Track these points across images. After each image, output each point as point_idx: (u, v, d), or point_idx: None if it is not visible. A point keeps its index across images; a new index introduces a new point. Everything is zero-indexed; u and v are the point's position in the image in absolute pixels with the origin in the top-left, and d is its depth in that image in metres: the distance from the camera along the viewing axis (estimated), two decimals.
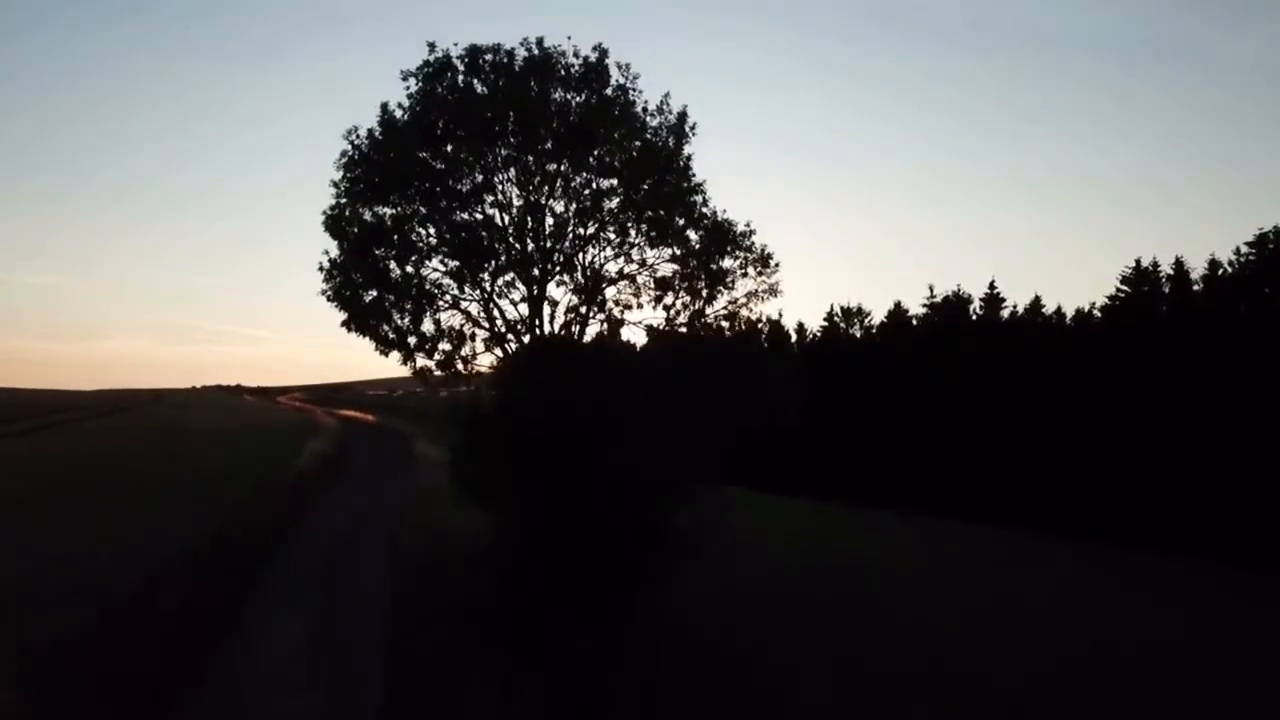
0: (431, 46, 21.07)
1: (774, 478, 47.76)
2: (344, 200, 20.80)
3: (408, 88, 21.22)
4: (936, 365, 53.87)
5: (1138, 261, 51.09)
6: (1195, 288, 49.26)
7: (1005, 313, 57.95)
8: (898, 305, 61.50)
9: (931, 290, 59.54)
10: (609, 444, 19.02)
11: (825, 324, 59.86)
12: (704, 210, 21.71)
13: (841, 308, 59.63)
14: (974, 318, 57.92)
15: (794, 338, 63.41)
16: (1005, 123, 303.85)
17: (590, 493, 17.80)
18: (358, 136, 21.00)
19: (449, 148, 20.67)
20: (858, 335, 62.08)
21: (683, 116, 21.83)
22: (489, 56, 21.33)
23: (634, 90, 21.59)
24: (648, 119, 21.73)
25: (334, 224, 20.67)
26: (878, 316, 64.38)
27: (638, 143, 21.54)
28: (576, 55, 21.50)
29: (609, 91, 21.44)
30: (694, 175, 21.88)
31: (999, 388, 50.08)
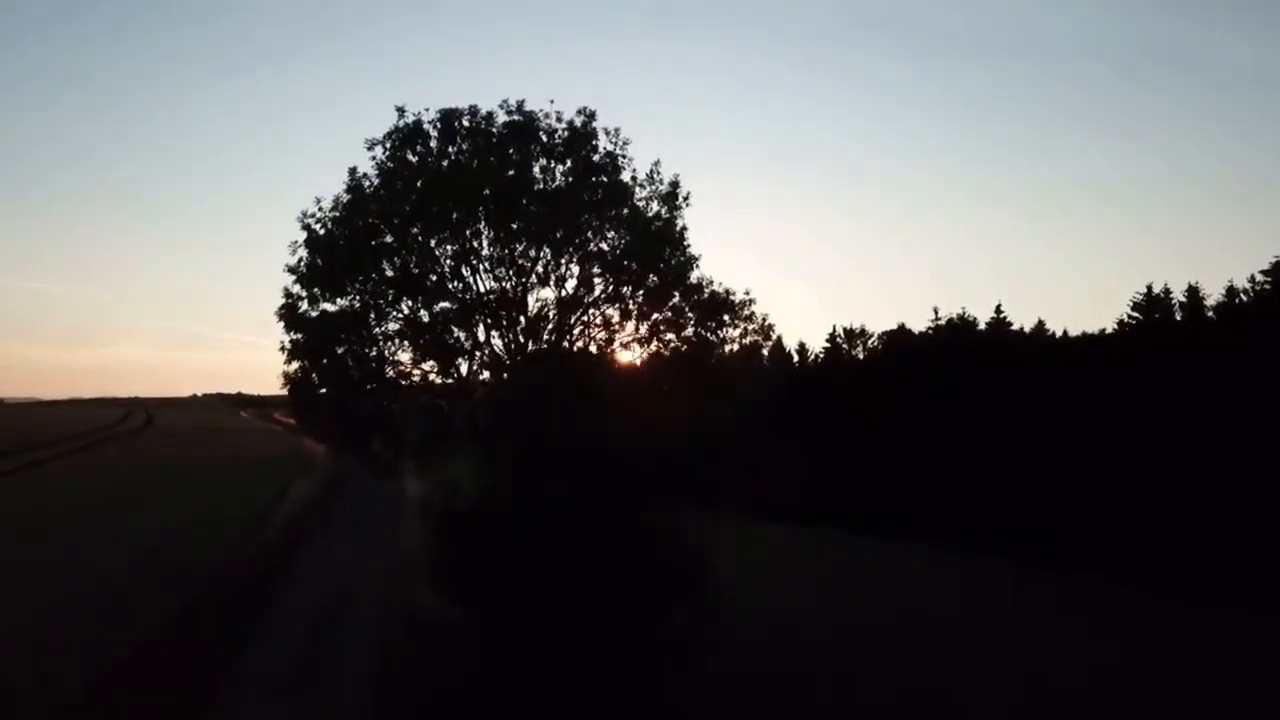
0: (400, 111, 19.10)
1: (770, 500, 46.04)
2: (300, 288, 18.69)
3: (374, 156, 19.25)
4: (939, 388, 52.01)
5: (1149, 288, 49.15)
6: (1210, 315, 47.49)
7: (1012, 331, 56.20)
8: (902, 327, 59.55)
9: (936, 312, 57.52)
10: (597, 550, 17.36)
11: (827, 345, 57.85)
12: (699, 285, 19.77)
13: (844, 329, 57.66)
14: (980, 330, 56.08)
15: (795, 358, 61.43)
16: (1018, 135, 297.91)
17: (577, 602, 16.55)
18: (321, 210, 18.94)
19: (417, 228, 18.63)
20: (860, 356, 60.22)
21: (675, 185, 19.90)
22: (466, 120, 19.38)
23: (624, 157, 19.63)
24: (637, 189, 19.80)
25: (289, 314, 18.55)
26: (883, 328, 62.76)
27: (625, 211, 19.56)
28: (560, 119, 19.57)
29: (597, 158, 19.51)
30: (688, 246, 19.98)
31: (1001, 413, 48.22)
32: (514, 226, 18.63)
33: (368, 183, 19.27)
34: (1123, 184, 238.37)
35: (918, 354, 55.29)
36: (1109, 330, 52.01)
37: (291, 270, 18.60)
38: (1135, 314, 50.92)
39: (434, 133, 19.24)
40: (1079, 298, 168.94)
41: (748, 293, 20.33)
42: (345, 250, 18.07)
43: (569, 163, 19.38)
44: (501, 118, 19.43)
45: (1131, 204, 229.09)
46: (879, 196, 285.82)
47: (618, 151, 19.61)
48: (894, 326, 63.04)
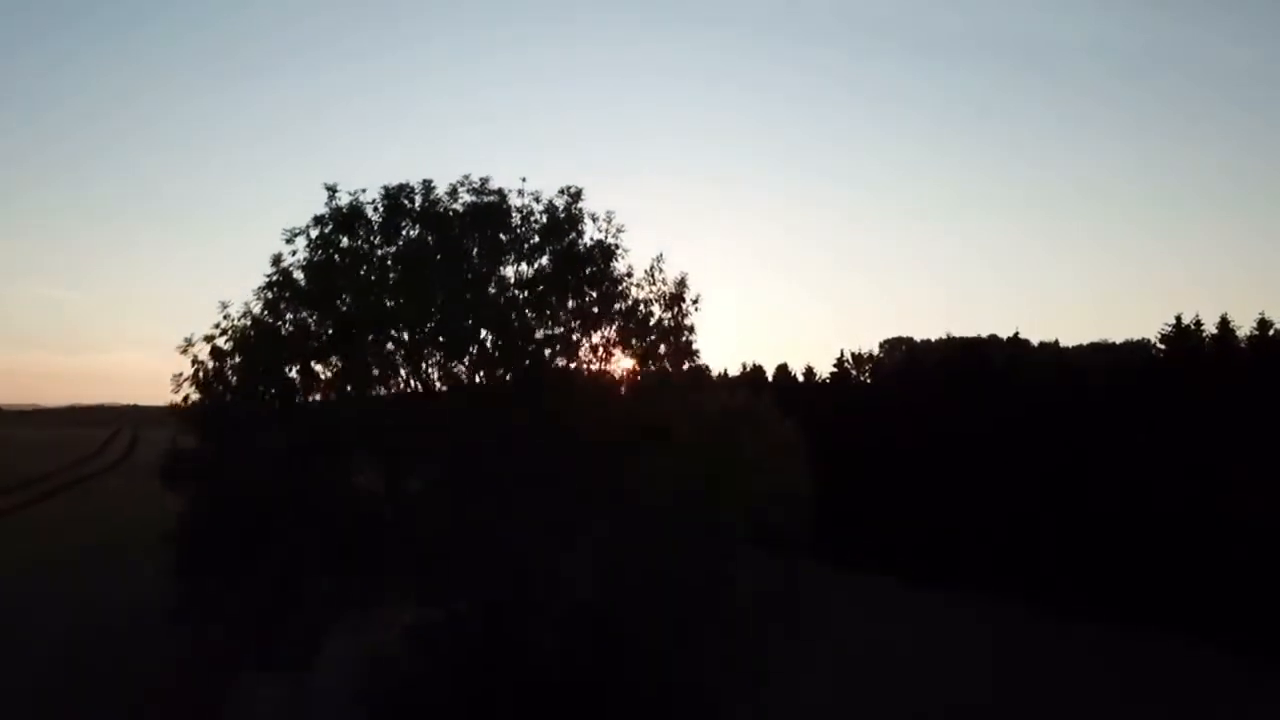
0: (332, 192, 14.33)
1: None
2: (190, 437, 13.62)
3: (294, 251, 14.47)
4: (950, 421, 47.41)
5: (1178, 319, 44.54)
6: (1242, 345, 42.99)
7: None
8: (910, 352, 55.04)
9: (949, 337, 52.90)
10: None
11: (835, 370, 53.25)
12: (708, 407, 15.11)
13: (852, 354, 53.11)
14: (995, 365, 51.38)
15: (801, 380, 56.81)
16: (1023, 141, 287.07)
17: None
18: (229, 320, 13.86)
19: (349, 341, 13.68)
20: (867, 380, 55.62)
21: (682, 285, 15.14)
22: (418, 199, 14.64)
23: (617, 247, 14.89)
24: (634, 288, 15.07)
25: (170, 473, 13.61)
26: (887, 334, 58.15)
27: (617, 315, 14.82)
28: (537, 200, 14.84)
29: (582, 246, 14.78)
30: (697, 352, 15.28)
31: (1018, 451, 43.69)
32: (472, 352, 13.90)
33: (292, 277, 14.38)
34: (1129, 190, 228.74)
35: (928, 384, 50.72)
36: (1117, 339, 47.28)
37: (178, 411, 13.47)
38: (1162, 345, 46.26)
39: (376, 216, 14.48)
40: (1080, 299, 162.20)
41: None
42: (254, 387, 13.17)
43: (547, 253, 14.64)
44: (464, 198, 14.66)
45: (1141, 211, 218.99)
46: (880, 202, 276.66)
47: (609, 240, 14.85)
48: (896, 335, 58.43)
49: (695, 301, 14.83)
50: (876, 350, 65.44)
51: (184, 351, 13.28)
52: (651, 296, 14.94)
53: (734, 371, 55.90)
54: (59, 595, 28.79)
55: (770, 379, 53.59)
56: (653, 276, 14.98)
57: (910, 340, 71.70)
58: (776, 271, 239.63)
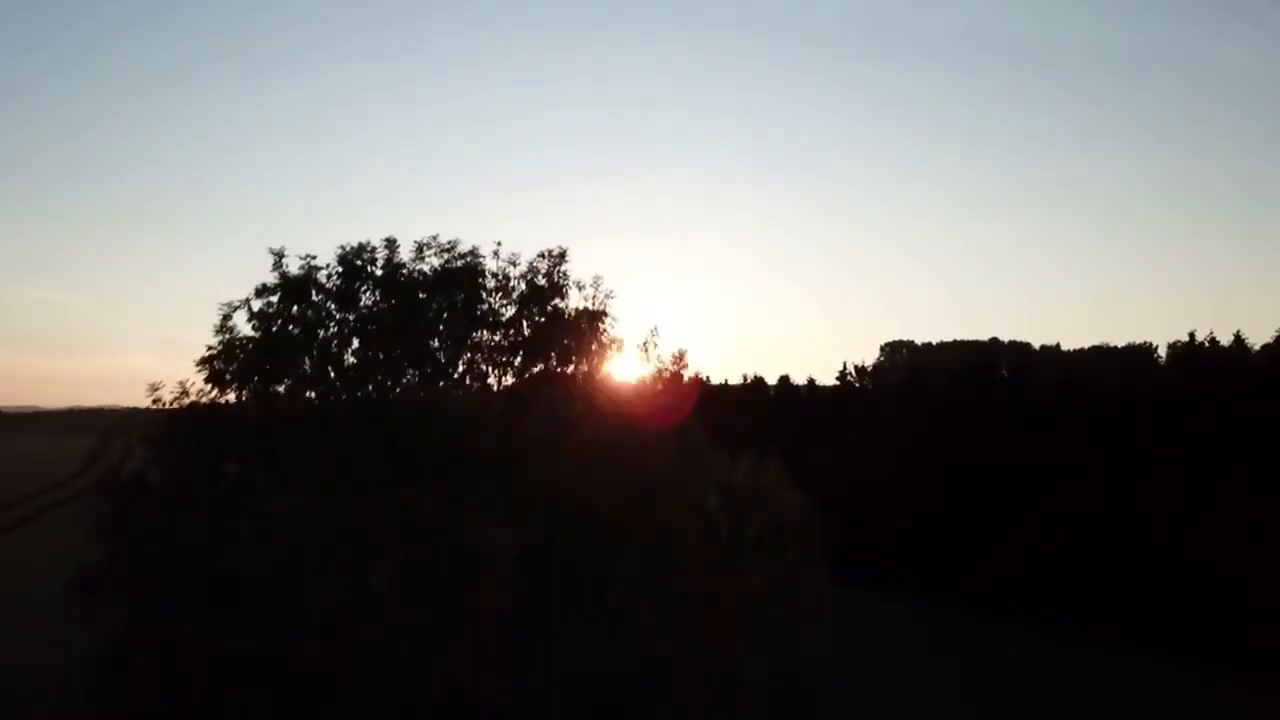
0: (279, 258, 12.27)
1: None
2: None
3: (231, 329, 12.37)
4: (955, 433, 45.60)
5: (1191, 335, 42.67)
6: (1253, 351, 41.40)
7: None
8: (912, 356, 53.17)
9: (953, 341, 50.99)
10: None
11: (838, 381, 51.35)
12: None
13: (855, 366, 51.18)
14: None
15: (803, 388, 54.86)
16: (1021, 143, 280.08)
17: None
18: (163, 405, 11.84)
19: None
20: (868, 386, 53.70)
21: (681, 360, 13.14)
22: (379, 260, 12.60)
23: (607, 316, 12.89)
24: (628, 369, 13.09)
25: (85, 591, 11.30)
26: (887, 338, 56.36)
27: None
28: (514, 264, 12.80)
29: (568, 313, 12.77)
30: (698, 436, 13.31)
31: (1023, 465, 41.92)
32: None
33: (236, 352, 12.31)
34: (1130, 191, 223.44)
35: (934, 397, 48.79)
36: (1119, 343, 45.55)
37: (103, 519, 11.21)
38: (1165, 355, 44.51)
39: (328, 285, 12.43)
40: (1081, 301, 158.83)
41: None
42: (185, 492, 11.11)
43: (526, 323, 12.63)
44: (431, 260, 12.63)
45: (1142, 212, 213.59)
46: (880, 203, 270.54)
47: (599, 307, 12.82)
48: (898, 338, 56.80)
49: (706, 381, 12.84)
50: (877, 353, 63.67)
51: (106, 445, 11.28)
52: (647, 376, 12.94)
53: (734, 380, 54.09)
54: None
55: (772, 389, 51.65)
56: (647, 352, 12.98)
57: (911, 344, 69.75)
58: (776, 272, 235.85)
